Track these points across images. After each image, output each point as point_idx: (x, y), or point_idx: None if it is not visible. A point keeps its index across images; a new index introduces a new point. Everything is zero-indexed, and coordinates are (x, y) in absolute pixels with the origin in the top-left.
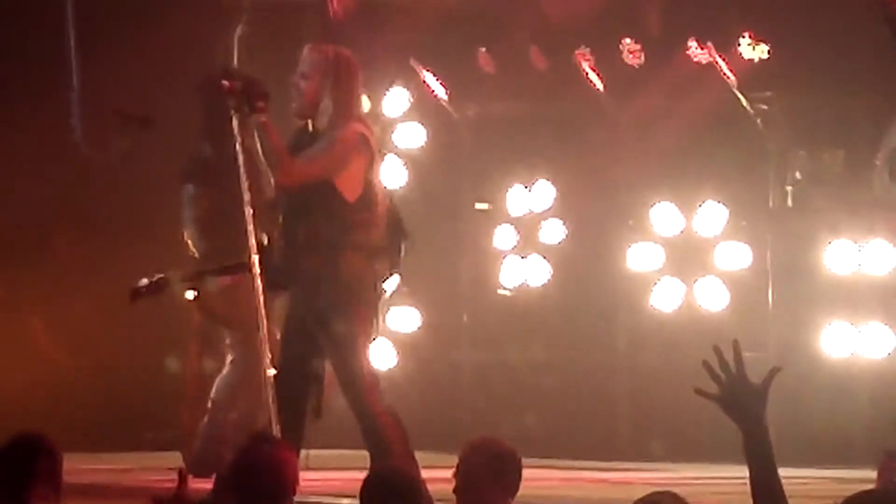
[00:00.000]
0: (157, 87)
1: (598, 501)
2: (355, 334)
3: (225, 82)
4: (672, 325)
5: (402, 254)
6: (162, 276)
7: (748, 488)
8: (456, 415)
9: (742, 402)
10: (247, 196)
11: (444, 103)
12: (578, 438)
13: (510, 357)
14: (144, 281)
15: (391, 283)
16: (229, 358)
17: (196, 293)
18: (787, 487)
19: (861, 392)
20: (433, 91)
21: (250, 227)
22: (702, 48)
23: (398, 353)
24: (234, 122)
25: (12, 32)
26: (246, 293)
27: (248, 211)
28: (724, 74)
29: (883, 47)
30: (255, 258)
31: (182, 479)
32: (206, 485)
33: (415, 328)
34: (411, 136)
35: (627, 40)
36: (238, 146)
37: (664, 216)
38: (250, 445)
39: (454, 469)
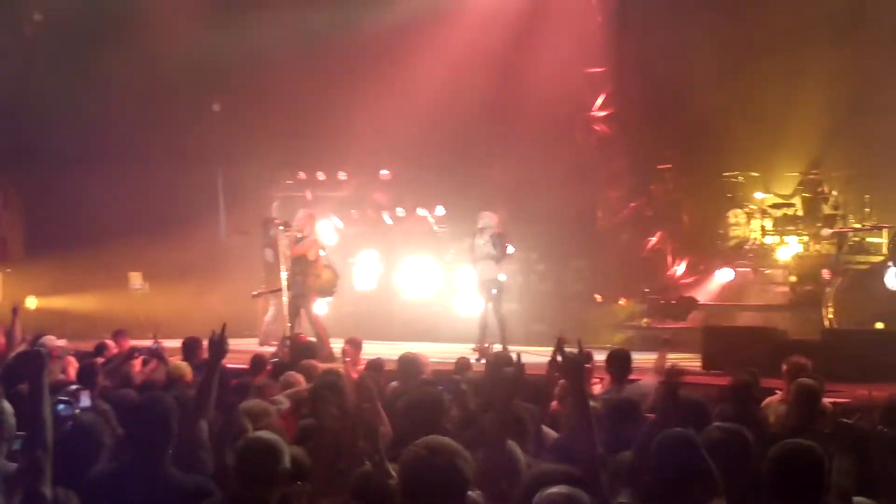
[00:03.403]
0: (248, 222)
1: (390, 354)
2: (311, 300)
3: (277, 220)
4: (420, 306)
5: (338, 283)
6: (258, 292)
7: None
8: (344, 329)
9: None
10: (284, 255)
11: (338, 230)
12: (383, 331)
13: (361, 308)
14: (255, 292)
15: (328, 300)
16: (271, 307)
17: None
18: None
19: None
20: (336, 226)
21: (283, 268)
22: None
23: (328, 306)
24: (282, 234)
25: (194, 191)
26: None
27: (283, 263)
28: (431, 224)
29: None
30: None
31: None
32: (268, 348)
33: (330, 298)
34: (329, 239)
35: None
36: (281, 242)
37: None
38: (293, 338)
39: (343, 345)
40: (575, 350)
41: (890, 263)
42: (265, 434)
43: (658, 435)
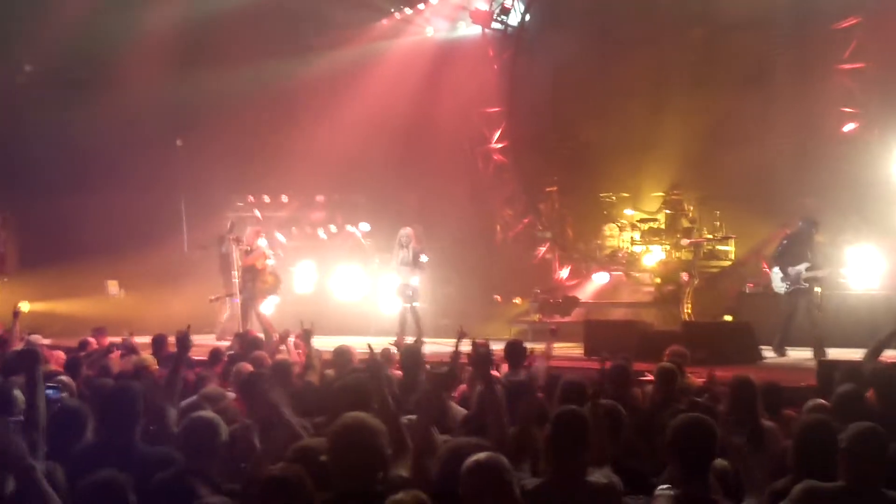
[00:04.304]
0: (205, 236)
1: (326, 346)
2: (259, 301)
3: (231, 236)
4: (350, 306)
5: (281, 287)
6: (216, 297)
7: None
8: (288, 325)
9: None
10: (236, 265)
11: (282, 245)
12: (319, 327)
13: (300, 308)
14: (213, 296)
15: (275, 298)
16: (227, 309)
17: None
18: None
19: None
20: (279, 240)
21: (236, 274)
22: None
23: (273, 307)
24: (234, 248)
25: (162, 213)
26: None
27: (235, 270)
28: (358, 239)
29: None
30: (237, 286)
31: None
32: (224, 343)
33: (277, 300)
34: (273, 253)
35: (332, 225)
36: (234, 254)
37: (345, 277)
38: (244, 334)
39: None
40: (486, 342)
41: (776, 268)
42: (205, 412)
43: (553, 411)
